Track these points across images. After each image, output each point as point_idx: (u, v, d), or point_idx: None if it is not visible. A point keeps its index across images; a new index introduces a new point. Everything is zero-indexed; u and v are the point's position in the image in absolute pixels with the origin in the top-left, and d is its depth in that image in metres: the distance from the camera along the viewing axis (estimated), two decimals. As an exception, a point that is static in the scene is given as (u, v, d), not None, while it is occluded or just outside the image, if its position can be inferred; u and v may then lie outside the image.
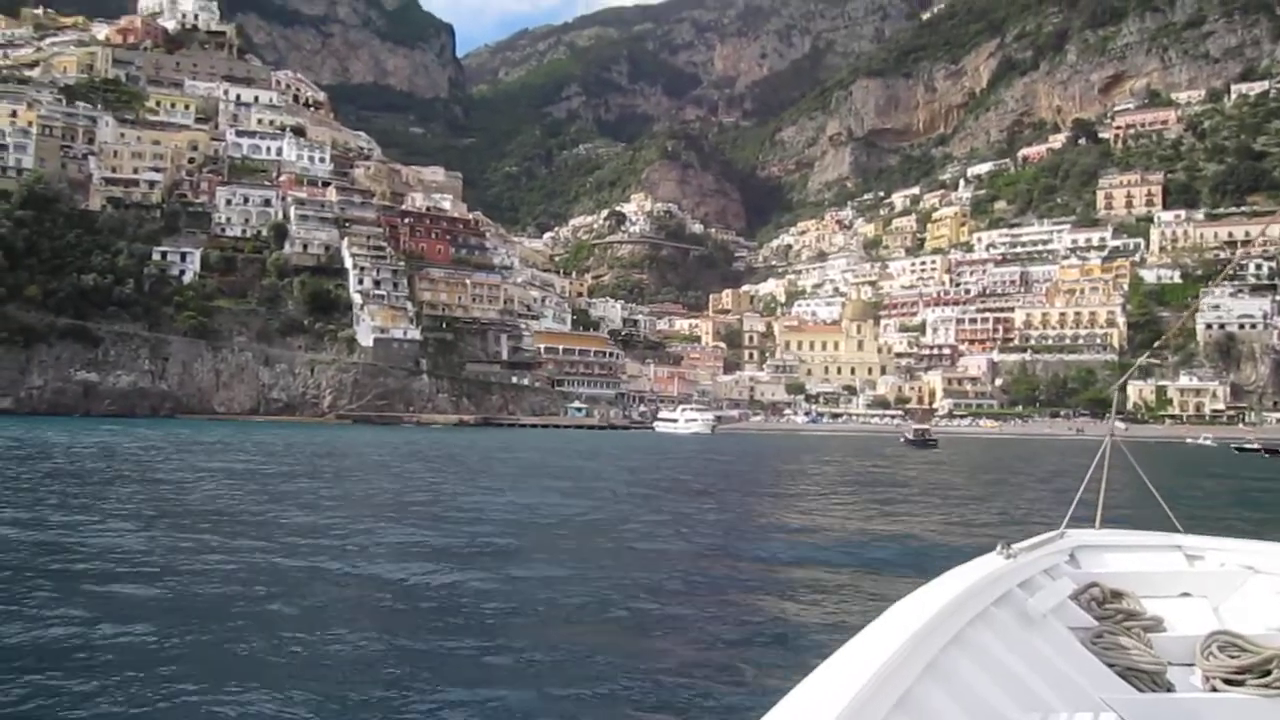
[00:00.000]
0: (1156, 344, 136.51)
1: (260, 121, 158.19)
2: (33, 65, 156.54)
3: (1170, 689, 4.64)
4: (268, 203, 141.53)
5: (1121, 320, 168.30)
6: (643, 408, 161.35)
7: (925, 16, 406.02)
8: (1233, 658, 4.52)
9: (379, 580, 16.39)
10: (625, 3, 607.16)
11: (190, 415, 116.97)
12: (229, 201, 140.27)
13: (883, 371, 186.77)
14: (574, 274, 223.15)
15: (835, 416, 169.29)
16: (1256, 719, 4.22)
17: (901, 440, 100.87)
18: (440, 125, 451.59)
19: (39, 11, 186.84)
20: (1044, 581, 5.27)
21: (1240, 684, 4.40)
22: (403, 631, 12.92)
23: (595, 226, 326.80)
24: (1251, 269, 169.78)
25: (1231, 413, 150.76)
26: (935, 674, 3.35)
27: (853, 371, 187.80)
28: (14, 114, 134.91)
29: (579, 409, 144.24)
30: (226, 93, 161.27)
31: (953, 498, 36.64)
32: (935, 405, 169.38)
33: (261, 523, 23.09)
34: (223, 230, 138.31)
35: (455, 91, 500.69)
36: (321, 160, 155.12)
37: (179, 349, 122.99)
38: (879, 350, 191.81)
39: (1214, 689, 4.50)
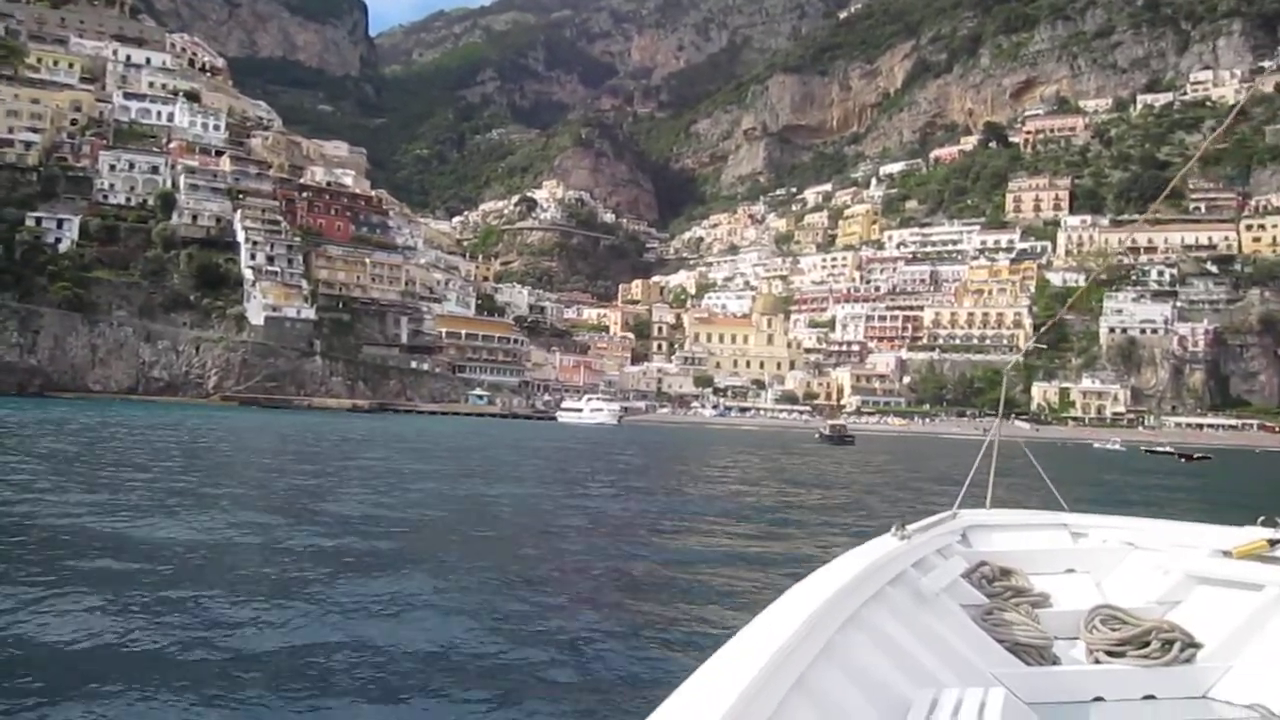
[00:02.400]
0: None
1: (151, 85, 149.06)
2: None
3: (1056, 662, 4.85)
4: (155, 170, 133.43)
5: (1028, 321, 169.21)
6: (547, 396, 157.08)
7: (842, 15, 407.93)
8: (1114, 630, 4.81)
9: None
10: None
11: (62, 393, 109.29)
12: (113, 167, 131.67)
13: (791, 366, 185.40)
14: (480, 258, 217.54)
15: (743, 410, 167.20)
16: (1136, 688, 4.48)
17: (816, 436, 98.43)
18: (350, 104, 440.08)
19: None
20: (937, 561, 5.39)
21: (1121, 655, 4.68)
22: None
23: (506, 212, 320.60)
24: (1154, 275, 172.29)
25: (1132, 416, 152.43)
26: (831, 655, 3.46)
27: (761, 366, 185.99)
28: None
29: (480, 396, 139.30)
30: (116, 53, 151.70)
31: (900, 497, 33.41)
32: (843, 402, 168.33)
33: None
34: (105, 197, 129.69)
35: (367, 70, 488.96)
36: (216, 128, 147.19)
37: (51, 322, 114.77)
38: (788, 345, 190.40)
39: (1097, 661, 4.77)
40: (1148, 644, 4.66)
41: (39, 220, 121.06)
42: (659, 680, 9.30)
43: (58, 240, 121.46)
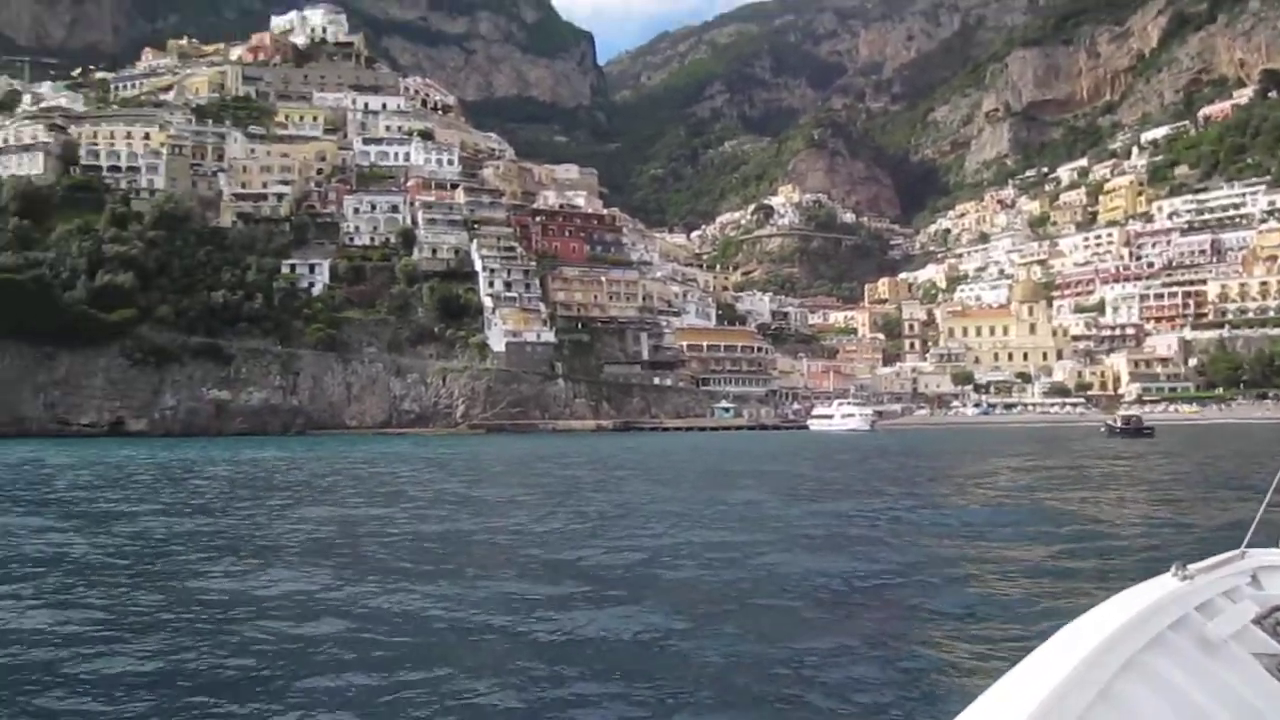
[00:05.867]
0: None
1: (388, 128, 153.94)
2: (169, 89, 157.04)
3: None
4: (395, 209, 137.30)
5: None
6: (796, 405, 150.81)
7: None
8: None
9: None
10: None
11: (321, 431, 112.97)
12: (356, 210, 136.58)
13: (1058, 356, 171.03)
14: (717, 268, 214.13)
15: (1008, 407, 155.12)
16: None
17: (1103, 430, 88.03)
18: (584, 133, 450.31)
19: (183, 42, 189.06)
20: (1224, 605, 4.55)
21: None
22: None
23: (743, 222, 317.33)
24: None
25: None
26: (1108, 701, 3.28)
27: (1025, 357, 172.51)
28: (147, 136, 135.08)
29: (726, 409, 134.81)
30: (354, 102, 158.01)
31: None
32: (1121, 391, 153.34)
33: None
34: (351, 240, 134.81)
35: (598, 98, 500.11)
36: (449, 162, 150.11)
37: (309, 363, 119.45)
38: (1053, 333, 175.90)
39: None
40: None
41: (293, 267, 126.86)
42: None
43: (311, 284, 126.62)
